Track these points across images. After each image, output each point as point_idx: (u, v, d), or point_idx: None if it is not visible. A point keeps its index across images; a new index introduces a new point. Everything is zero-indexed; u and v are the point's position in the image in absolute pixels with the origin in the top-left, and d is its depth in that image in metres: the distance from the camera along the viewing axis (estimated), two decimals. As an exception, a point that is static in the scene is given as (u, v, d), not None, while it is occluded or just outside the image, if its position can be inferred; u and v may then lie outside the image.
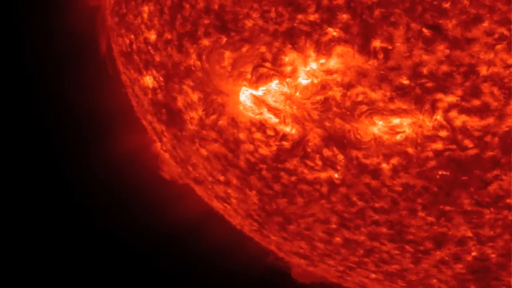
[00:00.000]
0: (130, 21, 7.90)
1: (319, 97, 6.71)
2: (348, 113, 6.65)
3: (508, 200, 6.71)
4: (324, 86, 6.65)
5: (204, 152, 7.78)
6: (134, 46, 7.92)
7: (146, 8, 7.63)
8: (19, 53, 10.15)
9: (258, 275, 9.99)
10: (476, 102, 6.33)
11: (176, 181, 9.18)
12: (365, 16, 6.33)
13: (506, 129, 6.37)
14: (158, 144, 8.89)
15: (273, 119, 7.05)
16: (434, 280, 7.72)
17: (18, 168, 10.51)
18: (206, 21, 7.02)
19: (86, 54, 9.63)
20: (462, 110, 6.38)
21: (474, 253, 7.22)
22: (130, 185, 10.11)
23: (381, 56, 6.36)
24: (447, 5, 6.15)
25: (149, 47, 7.66)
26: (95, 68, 9.41)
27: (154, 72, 7.74)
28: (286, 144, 7.08)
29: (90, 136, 10.18)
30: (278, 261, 9.13)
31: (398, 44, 6.29)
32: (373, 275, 8.04)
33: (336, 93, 6.63)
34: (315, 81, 6.66)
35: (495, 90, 6.27)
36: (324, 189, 7.20)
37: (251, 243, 9.04)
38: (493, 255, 7.19)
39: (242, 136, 7.29)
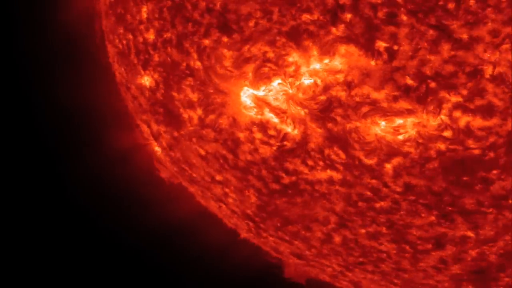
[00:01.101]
0: (128, 20, 7.86)
1: (321, 97, 6.69)
2: (351, 113, 6.63)
3: (510, 201, 6.72)
4: (327, 86, 6.63)
5: (202, 151, 7.75)
6: (132, 46, 7.88)
7: (145, 8, 7.60)
8: (13, 52, 10.10)
9: (253, 275, 9.98)
10: (480, 102, 6.34)
11: (172, 181, 9.15)
12: (369, 16, 6.32)
13: (510, 129, 6.38)
14: (154, 144, 8.85)
15: (274, 119, 7.02)
16: (433, 281, 7.72)
17: (13, 168, 10.47)
18: (207, 21, 6.99)
19: (82, 53, 9.59)
20: (466, 110, 6.39)
21: (474, 254, 7.23)
22: (125, 185, 10.07)
23: (385, 56, 6.35)
24: (452, 5, 6.16)
25: (148, 47, 7.63)
26: (91, 67, 9.37)
27: (152, 72, 7.70)
28: (288, 144, 7.06)
29: (85, 136, 10.15)
30: (274, 261, 9.11)
31: (403, 44, 6.29)
32: (370, 275, 8.04)
33: (339, 93, 6.61)
34: (318, 81, 6.64)
35: (500, 90, 6.28)
36: (324, 189, 7.18)
37: (247, 243, 9.03)
38: (493, 256, 7.20)
39: (242, 136, 7.27)
